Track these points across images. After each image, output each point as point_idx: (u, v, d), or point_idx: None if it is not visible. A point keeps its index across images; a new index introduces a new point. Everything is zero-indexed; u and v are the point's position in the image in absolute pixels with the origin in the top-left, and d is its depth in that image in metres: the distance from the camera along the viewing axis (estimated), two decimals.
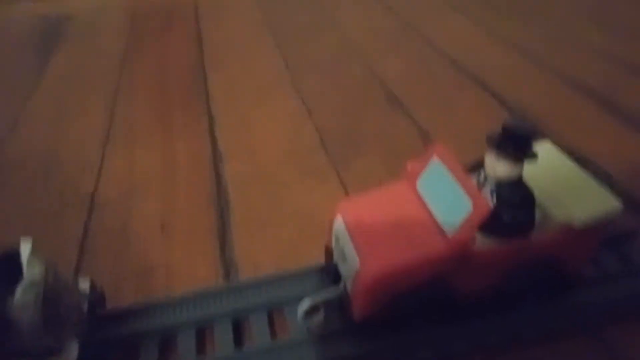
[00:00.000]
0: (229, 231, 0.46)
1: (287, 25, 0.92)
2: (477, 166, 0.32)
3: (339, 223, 0.33)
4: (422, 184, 0.32)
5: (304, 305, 0.32)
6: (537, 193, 0.30)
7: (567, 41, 0.78)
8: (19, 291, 0.26)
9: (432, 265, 0.29)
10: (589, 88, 0.65)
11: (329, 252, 0.35)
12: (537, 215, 0.30)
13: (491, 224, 0.29)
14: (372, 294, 0.29)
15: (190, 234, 0.46)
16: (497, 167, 0.29)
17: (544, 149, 0.34)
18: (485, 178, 0.31)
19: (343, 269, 0.32)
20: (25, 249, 0.28)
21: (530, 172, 0.30)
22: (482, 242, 0.30)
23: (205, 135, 0.61)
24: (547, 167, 0.32)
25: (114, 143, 0.60)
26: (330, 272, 0.34)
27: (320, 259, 0.38)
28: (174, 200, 0.50)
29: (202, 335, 0.35)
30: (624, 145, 0.54)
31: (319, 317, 0.33)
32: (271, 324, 0.35)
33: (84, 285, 0.33)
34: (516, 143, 0.29)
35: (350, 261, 0.30)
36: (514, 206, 0.29)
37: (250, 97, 0.68)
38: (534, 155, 0.29)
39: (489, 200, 0.29)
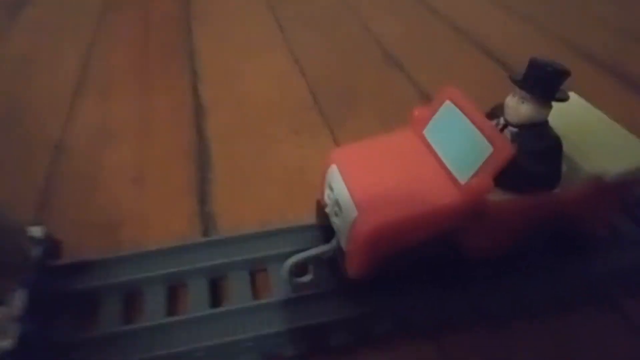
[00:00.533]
0: (208, 186, 0.41)
1: None
2: (493, 114, 0.28)
3: (333, 171, 0.28)
4: (430, 130, 0.28)
5: (290, 262, 0.28)
6: (564, 143, 0.26)
7: (570, 8, 0.75)
8: None
9: (442, 216, 0.25)
10: (593, 54, 0.62)
11: (320, 208, 0.31)
12: (564, 167, 0.26)
13: (511, 175, 0.25)
14: (370, 248, 0.25)
15: (166, 187, 0.41)
16: (521, 109, 0.25)
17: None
18: (505, 125, 0.27)
19: (337, 222, 0.28)
20: None
21: (555, 122, 0.27)
22: (498, 197, 0.26)
23: (188, 89, 0.56)
24: (574, 116, 0.29)
25: (86, 94, 0.55)
26: (321, 229, 0.30)
27: (310, 220, 0.34)
28: (149, 152, 0.46)
29: (173, 293, 0.31)
30: (632, 111, 0.51)
31: (307, 277, 0.30)
32: (253, 284, 0.31)
33: (37, 233, 0.29)
34: (545, 81, 0.25)
35: (346, 212, 0.26)
36: (538, 154, 0.25)
37: (238, 52, 0.63)
38: (564, 96, 0.25)
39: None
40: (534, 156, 0.25)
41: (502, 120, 0.27)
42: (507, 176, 0.25)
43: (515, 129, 0.26)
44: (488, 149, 0.24)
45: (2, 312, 0.24)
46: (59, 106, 0.52)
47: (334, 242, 0.28)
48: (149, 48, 0.65)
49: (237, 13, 0.75)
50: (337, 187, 0.27)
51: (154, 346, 0.27)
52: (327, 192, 0.29)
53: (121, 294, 0.30)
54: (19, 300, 0.25)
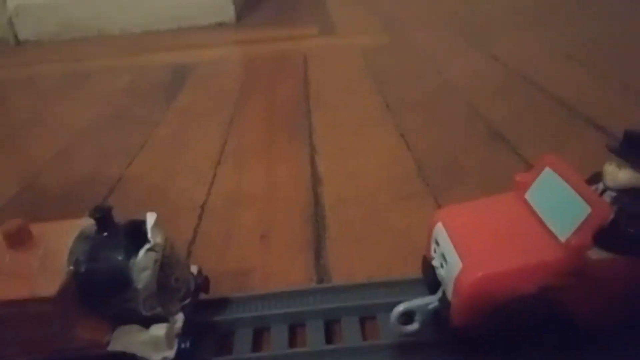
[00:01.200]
0: (324, 244, 0.47)
1: (388, 71, 0.96)
2: (592, 180, 0.31)
3: (439, 228, 0.32)
4: (532, 194, 0.31)
5: (399, 309, 0.32)
6: None
7: None
8: (141, 253, 0.29)
9: (543, 271, 0.27)
10: None
11: (426, 262, 0.34)
12: None
13: (611, 237, 0.27)
14: (474, 298, 0.28)
15: (287, 244, 0.47)
16: (619, 175, 0.28)
17: None
18: (604, 190, 0.29)
19: (442, 273, 0.31)
20: (150, 220, 0.31)
21: None
22: (598, 257, 0.27)
23: (307, 162, 0.64)
24: None
25: (224, 165, 0.65)
26: (428, 282, 0.33)
27: (416, 275, 0.37)
28: (274, 215, 0.53)
29: (294, 330, 0.35)
30: None
31: (413, 325, 0.32)
32: (363, 328, 0.35)
33: (193, 269, 0.36)
34: None
35: (452, 264, 0.29)
36: (638, 217, 0.27)
37: (351, 130, 0.71)
38: None
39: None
40: (634, 218, 0.26)
41: (601, 186, 0.29)
42: (609, 238, 0.27)
43: (614, 193, 0.28)
44: (586, 209, 0.26)
45: (169, 328, 0.30)
46: (204, 175, 0.62)
47: (439, 293, 0.31)
48: (274, 126, 0.76)
49: (348, 96, 0.85)
50: (443, 242, 0.31)
51: None
52: (433, 246, 0.32)
53: (251, 326, 0.35)
54: (179, 321, 0.31)
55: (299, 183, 0.58)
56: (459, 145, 0.63)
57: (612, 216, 0.26)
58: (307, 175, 0.60)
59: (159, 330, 0.29)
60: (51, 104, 0.97)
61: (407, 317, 0.33)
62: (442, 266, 0.31)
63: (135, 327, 0.30)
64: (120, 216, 0.51)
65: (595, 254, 0.27)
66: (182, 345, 0.30)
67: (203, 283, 0.35)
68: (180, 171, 0.65)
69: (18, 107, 1.01)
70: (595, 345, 0.30)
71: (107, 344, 0.29)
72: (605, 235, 0.26)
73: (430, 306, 0.32)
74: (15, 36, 1.48)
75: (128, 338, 0.29)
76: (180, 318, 0.31)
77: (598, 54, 0.91)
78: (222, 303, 0.37)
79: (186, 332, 0.31)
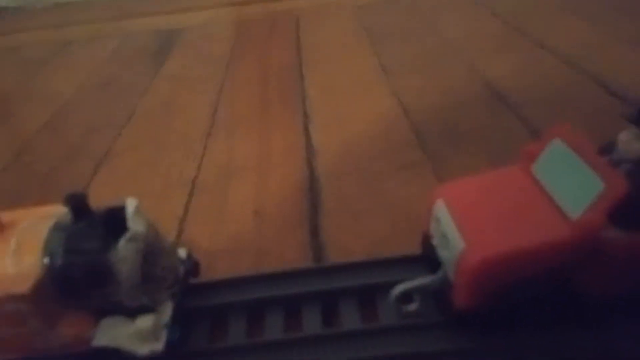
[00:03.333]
0: (320, 219, 0.45)
1: (384, 30, 0.91)
2: (605, 150, 0.28)
3: (440, 205, 0.30)
4: (540, 167, 0.29)
5: (397, 290, 0.30)
6: None
7: None
8: (121, 243, 0.27)
9: (551, 251, 0.25)
10: None
11: (427, 240, 0.32)
12: None
13: (626, 213, 0.25)
14: (478, 280, 0.26)
15: (282, 220, 0.46)
16: (636, 145, 0.25)
17: None
18: (618, 162, 0.27)
19: (444, 254, 0.29)
20: (130, 206, 0.29)
21: None
22: (614, 234, 0.26)
23: (300, 130, 0.61)
24: None
25: (215, 136, 0.62)
26: (428, 260, 0.32)
27: (415, 251, 0.35)
28: (268, 188, 0.51)
29: (290, 313, 0.34)
30: None
31: (413, 306, 0.31)
32: (361, 309, 0.33)
33: (182, 253, 0.34)
34: None
35: (453, 244, 0.28)
36: None
37: (346, 96, 0.68)
38: None
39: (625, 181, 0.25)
40: None
41: (615, 157, 0.26)
42: (623, 214, 0.25)
43: (629, 166, 0.26)
44: (600, 185, 0.24)
45: (156, 319, 0.29)
46: (194, 147, 0.60)
47: (440, 273, 0.30)
48: (266, 93, 0.72)
49: (342, 58, 0.81)
50: (444, 220, 0.29)
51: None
52: (433, 225, 0.30)
53: (246, 311, 0.34)
54: (166, 311, 0.30)
55: (293, 154, 0.56)
56: (460, 109, 0.60)
57: (627, 191, 0.24)
58: (302, 146, 0.57)
59: (145, 322, 0.28)
60: (33, 74, 0.93)
61: (407, 296, 0.31)
62: (443, 246, 0.29)
63: (120, 320, 0.28)
64: (106, 195, 0.49)
65: (609, 231, 0.25)
66: (171, 336, 0.29)
67: (193, 267, 0.33)
68: (170, 143, 0.62)
69: None
70: (603, 321, 0.29)
71: (91, 339, 0.28)
72: (620, 212, 0.24)
73: (431, 286, 0.30)
74: None
75: (113, 332, 0.28)
76: (168, 307, 0.30)
77: (601, 6, 0.87)
78: (215, 286, 0.35)
79: (175, 321, 0.30)
